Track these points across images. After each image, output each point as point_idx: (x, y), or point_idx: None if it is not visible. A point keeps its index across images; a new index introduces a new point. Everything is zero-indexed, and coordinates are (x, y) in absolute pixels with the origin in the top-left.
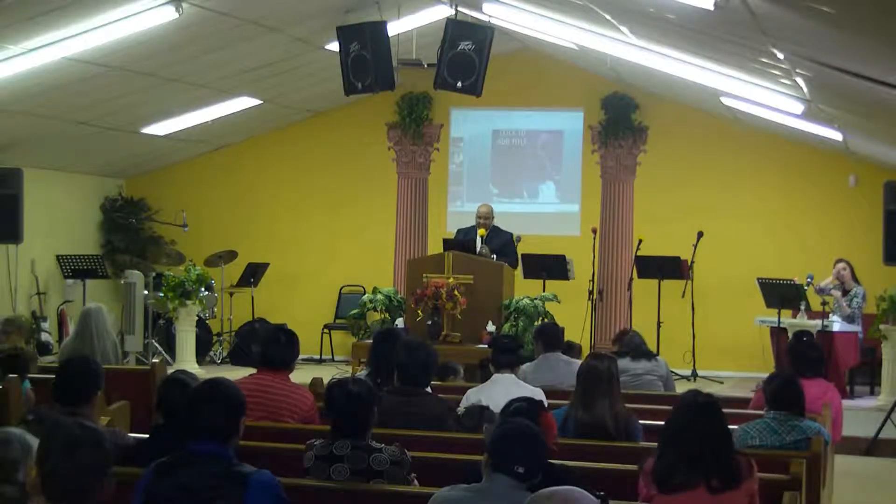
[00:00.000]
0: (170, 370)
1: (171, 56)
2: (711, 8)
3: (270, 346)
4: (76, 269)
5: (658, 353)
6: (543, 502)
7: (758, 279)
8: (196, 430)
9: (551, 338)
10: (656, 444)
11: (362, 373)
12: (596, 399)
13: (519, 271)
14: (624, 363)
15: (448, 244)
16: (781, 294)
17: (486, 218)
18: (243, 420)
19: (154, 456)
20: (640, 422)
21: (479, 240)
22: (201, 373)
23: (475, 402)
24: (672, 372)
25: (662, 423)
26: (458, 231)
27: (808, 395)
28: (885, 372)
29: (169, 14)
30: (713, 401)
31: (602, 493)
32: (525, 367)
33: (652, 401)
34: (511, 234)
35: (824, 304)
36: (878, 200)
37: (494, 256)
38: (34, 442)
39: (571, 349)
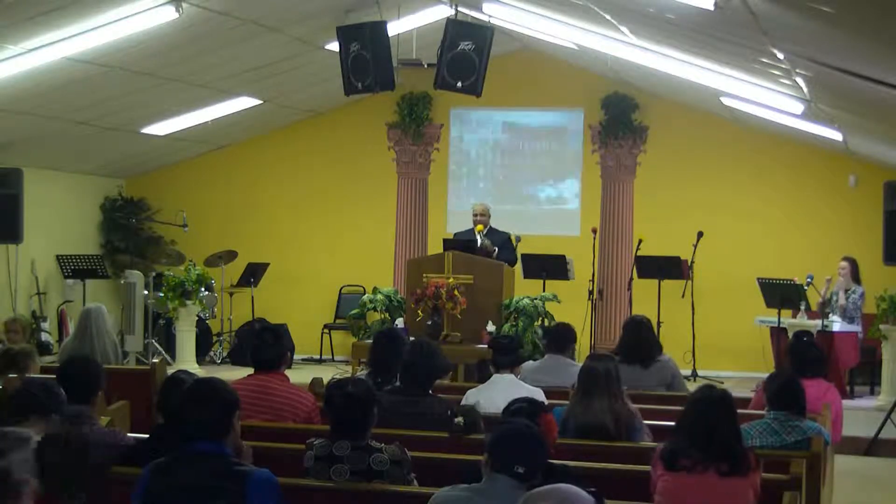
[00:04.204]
0: (170, 370)
1: (171, 56)
2: (711, 8)
3: (258, 348)
4: (76, 269)
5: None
6: (541, 500)
7: (758, 279)
8: (191, 430)
9: (558, 339)
10: (659, 444)
11: (362, 373)
12: (595, 400)
13: (519, 271)
14: (624, 373)
15: (448, 244)
16: (781, 294)
17: (482, 215)
18: (237, 417)
19: (154, 456)
20: (646, 422)
21: (477, 236)
22: (201, 373)
23: (472, 403)
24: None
25: (667, 423)
26: (457, 234)
27: (809, 395)
28: (885, 372)
29: (169, 14)
30: (727, 395)
31: (593, 489)
32: (526, 365)
33: (656, 401)
34: (508, 234)
35: (825, 307)
36: (878, 200)
37: (496, 249)
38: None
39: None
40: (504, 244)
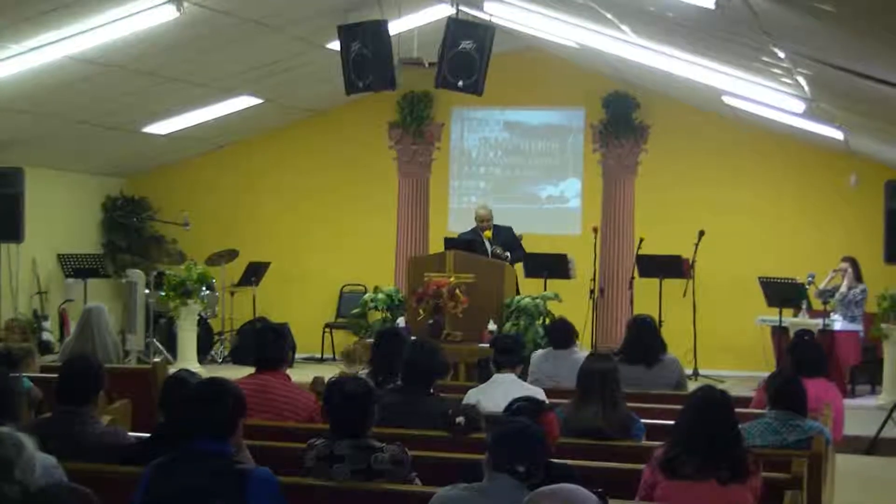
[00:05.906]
0: (171, 369)
1: (172, 55)
2: (712, 7)
3: (261, 347)
4: (77, 268)
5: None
6: (544, 499)
7: (759, 278)
8: (199, 429)
9: (560, 336)
10: (659, 443)
11: (363, 371)
12: (591, 403)
13: (520, 270)
14: (628, 373)
15: (449, 243)
16: (783, 293)
17: (487, 220)
18: (243, 418)
19: (156, 455)
20: (648, 421)
21: (487, 243)
22: (203, 372)
23: (473, 403)
24: None
25: (668, 422)
26: (461, 235)
27: (810, 394)
28: (887, 371)
29: (170, 13)
30: (726, 396)
31: (600, 490)
32: (535, 354)
33: (659, 401)
34: (510, 228)
35: (826, 302)
36: (878, 199)
37: (509, 254)
38: (27, 441)
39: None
40: (511, 242)
